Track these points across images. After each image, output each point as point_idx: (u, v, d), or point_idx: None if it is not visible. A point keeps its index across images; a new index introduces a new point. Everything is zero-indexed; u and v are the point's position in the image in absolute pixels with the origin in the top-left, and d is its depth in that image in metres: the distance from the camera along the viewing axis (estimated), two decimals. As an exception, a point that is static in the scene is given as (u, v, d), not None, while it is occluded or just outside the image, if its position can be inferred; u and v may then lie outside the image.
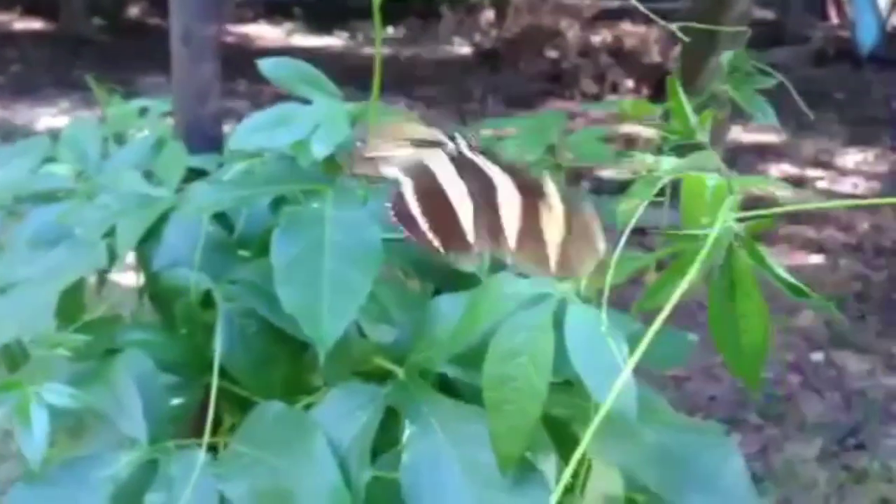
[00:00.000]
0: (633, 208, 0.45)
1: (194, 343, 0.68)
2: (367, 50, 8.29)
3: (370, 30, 9.15)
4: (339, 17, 8.68)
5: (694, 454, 0.59)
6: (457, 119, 6.01)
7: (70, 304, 0.81)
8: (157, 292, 0.70)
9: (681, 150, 0.50)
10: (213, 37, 0.90)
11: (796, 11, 8.14)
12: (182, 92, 0.90)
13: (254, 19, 9.30)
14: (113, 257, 0.70)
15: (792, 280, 0.43)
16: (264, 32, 8.91)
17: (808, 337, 3.18)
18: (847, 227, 4.10)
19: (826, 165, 4.99)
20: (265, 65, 0.65)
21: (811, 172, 4.87)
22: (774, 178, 0.50)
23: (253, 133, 0.62)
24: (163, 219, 0.70)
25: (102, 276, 0.86)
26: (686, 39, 0.65)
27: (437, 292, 0.69)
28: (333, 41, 8.27)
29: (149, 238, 0.70)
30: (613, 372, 0.49)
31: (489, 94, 6.55)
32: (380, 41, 0.60)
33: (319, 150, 0.60)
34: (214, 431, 0.72)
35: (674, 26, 0.64)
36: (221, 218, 0.76)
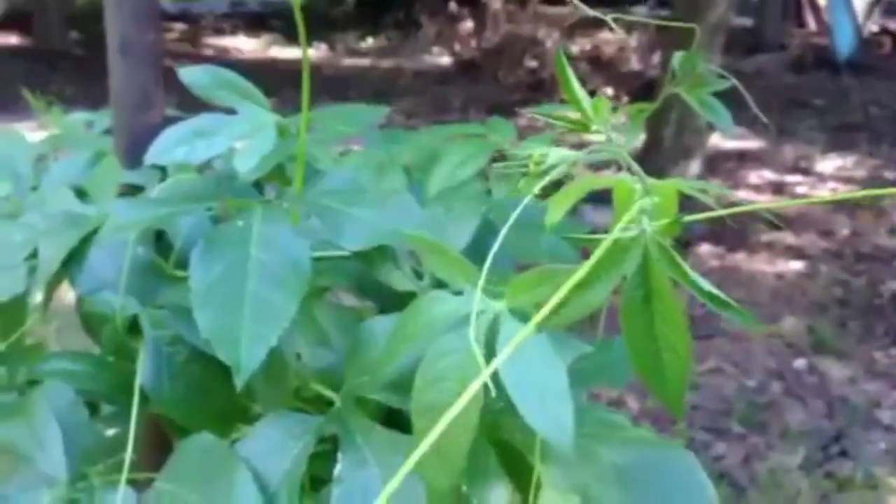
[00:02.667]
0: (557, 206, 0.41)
1: (123, 371, 0.64)
2: (347, 61, 8.27)
3: (350, 41, 9.13)
4: (319, 28, 8.65)
5: (656, 472, 0.55)
6: (437, 129, 5.98)
7: (8, 324, 0.76)
8: (85, 317, 0.66)
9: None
10: (151, 44, 0.86)
11: (774, 19, 8.18)
12: (121, 103, 0.86)
13: (232, 32, 9.27)
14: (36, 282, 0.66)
15: (712, 290, 0.39)
16: (243, 45, 8.88)
17: (790, 343, 3.16)
18: (827, 233, 4.09)
19: (805, 171, 4.99)
20: (185, 73, 0.61)
21: (790, 178, 4.87)
22: (701, 182, 0.46)
23: (171, 147, 0.58)
24: (88, 239, 0.66)
25: (48, 294, 0.82)
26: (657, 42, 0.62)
27: (383, 313, 0.65)
28: (313, 52, 8.24)
29: (73, 260, 0.66)
30: (548, 396, 0.45)
31: (470, 103, 6.53)
32: (306, 47, 0.57)
33: (244, 163, 0.56)
34: (162, 463, 0.68)
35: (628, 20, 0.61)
36: (160, 237, 0.72)
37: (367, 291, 0.64)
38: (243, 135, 0.59)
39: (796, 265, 3.78)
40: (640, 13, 7.18)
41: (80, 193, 0.82)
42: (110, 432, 0.72)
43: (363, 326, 0.57)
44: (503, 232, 0.49)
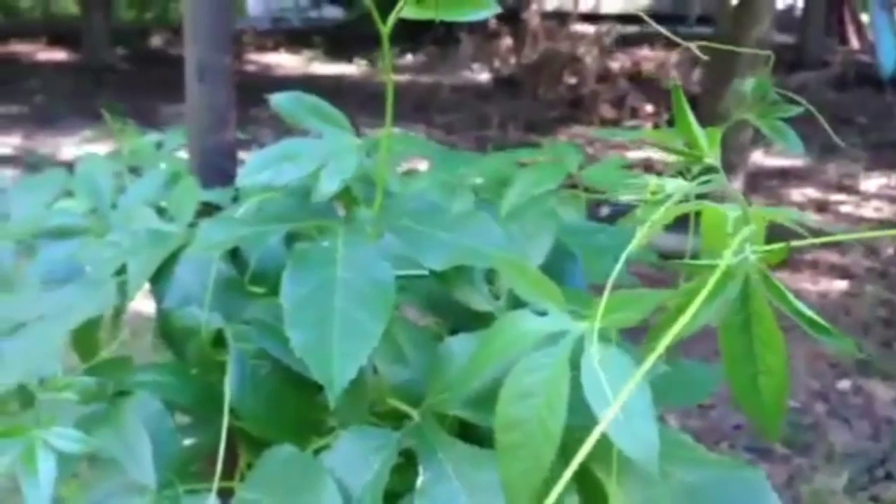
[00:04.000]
0: (642, 234, 0.43)
1: (206, 383, 0.66)
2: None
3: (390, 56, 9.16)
4: (359, 45, 8.74)
5: (726, 492, 0.56)
6: (475, 146, 6.01)
7: (85, 341, 0.79)
8: (169, 331, 0.69)
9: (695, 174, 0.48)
10: (227, 68, 0.90)
11: (816, 35, 8.12)
12: (197, 125, 0.90)
13: (275, 48, 9.39)
14: (124, 296, 0.69)
15: (813, 316, 0.40)
16: (285, 61, 8.99)
17: (834, 364, 3.13)
18: (872, 252, 4.05)
19: (849, 190, 4.94)
20: (276, 99, 0.64)
21: (834, 197, 4.82)
22: (793, 209, 0.47)
23: (260, 169, 0.61)
24: (174, 256, 0.69)
25: (118, 310, 0.85)
26: (703, 57, 0.63)
27: (454, 332, 0.67)
28: (353, 69, 8.33)
29: (160, 276, 0.69)
30: (634, 416, 0.47)
31: (508, 120, 6.55)
32: (390, 70, 0.59)
33: (328, 186, 0.59)
34: (231, 473, 0.70)
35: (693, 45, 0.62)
36: (235, 255, 0.75)
37: (442, 310, 0.66)
38: (327, 158, 0.61)
39: (840, 284, 3.75)
40: (682, 31, 7.15)
41: (159, 211, 0.85)
42: (187, 442, 0.75)
43: (443, 345, 0.59)
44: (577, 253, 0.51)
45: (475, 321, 0.63)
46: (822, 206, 4.71)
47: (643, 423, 0.45)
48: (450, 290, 0.61)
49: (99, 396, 0.63)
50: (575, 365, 0.49)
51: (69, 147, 5.40)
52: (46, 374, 0.62)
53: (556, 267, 0.66)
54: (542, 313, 0.52)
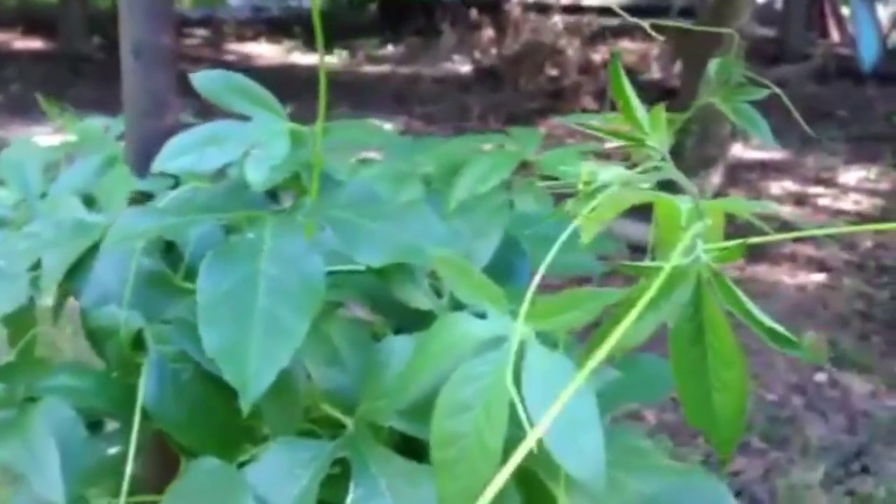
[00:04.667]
0: (572, 227, 0.38)
1: (127, 387, 0.61)
2: (367, 68, 8.25)
3: (371, 48, 9.12)
4: (339, 35, 8.64)
5: (684, 501, 0.52)
6: (457, 136, 5.95)
7: (19, 336, 0.74)
8: (89, 330, 0.64)
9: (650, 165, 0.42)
10: (166, 48, 0.84)
11: (797, 29, 8.11)
12: (134, 108, 0.84)
13: (254, 38, 9.28)
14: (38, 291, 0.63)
15: (773, 326, 0.36)
16: (264, 51, 8.89)
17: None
18: (850, 245, 4.03)
19: (828, 183, 4.92)
20: (196, 78, 0.58)
21: (813, 190, 4.80)
22: (770, 202, 0.42)
23: (180, 153, 0.56)
24: (93, 250, 0.63)
25: (59, 302, 0.80)
26: (658, 36, 0.59)
27: (398, 331, 0.62)
28: (334, 59, 8.24)
29: (78, 271, 0.63)
30: (577, 428, 0.42)
31: (489, 111, 6.50)
32: (323, 56, 0.54)
33: (254, 173, 0.54)
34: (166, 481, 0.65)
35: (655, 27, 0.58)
36: (171, 249, 0.70)
37: (383, 307, 0.61)
38: (256, 143, 0.56)
39: (818, 277, 3.73)
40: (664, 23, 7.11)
41: (90, 201, 0.80)
42: (114, 450, 0.70)
43: (379, 347, 0.54)
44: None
45: (419, 320, 0.58)
46: (800, 199, 4.70)
47: (587, 435, 0.40)
48: (389, 287, 0.56)
49: (7, 402, 0.58)
50: (517, 373, 0.44)
51: (43, 136, 5.31)
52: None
53: (504, 262, 0.61)
54: (483, 315, 0.47)
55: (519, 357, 0.44)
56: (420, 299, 0.56)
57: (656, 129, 0.37)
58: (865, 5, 7.53)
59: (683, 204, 0.38)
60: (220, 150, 0.56)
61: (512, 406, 0.43)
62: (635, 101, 0.38)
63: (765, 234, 0.49)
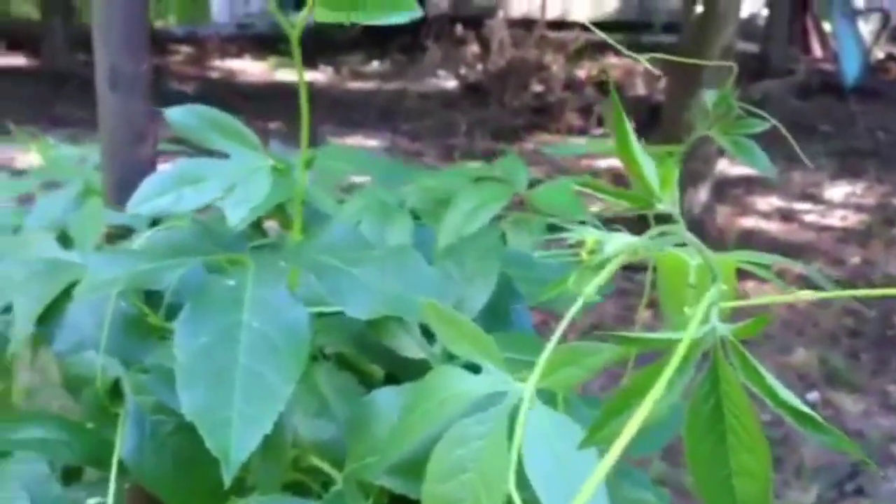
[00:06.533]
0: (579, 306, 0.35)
1: (103, 440, 0.58)
2: (353, 84, 8.23)
3: (356, 64, 9.10)
4: (325, 51, 8.62)
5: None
6: (442, 153, 5.93)
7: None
8: (65, 377, 0.60)
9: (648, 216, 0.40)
10: (143, 76, 0.81)
11: (780, 44, 8.15)
12: (110, 140, 0.81)
13: (238, 54, 9.25)
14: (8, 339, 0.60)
15: (802, 408, 0.33)
16: (249, 67, 8.86)
17: (802, 376, 3.09)
18: (838, 262, 4.03)
19: (814, 198, 4.93)
20: (171, 114, 0.56)
21: (799, 206, 4.81)
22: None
23: (156, 194, 0.53)
24: (67, 292, 0.60)
25: (33, 348, 0.76)
26: (656, 72, 0.57)
27: (387, 377, 0.59)
28: (318, 75, 8.22)
29: (51, 315, 0.60)
30: (584, 492, 0.39)
31: (475, 127, 6.49)
32: (303, 76, 0.51)
33: (234, 214, 0.51)
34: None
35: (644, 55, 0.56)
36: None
37: (371, 353, 0.58)
38: (235, 181, 0.53)
39: (807, 295, 3.72)
40: (647, 39, 7.15)
41: (65, 237, 0.77)
42: (93, 501, 0.66)
43: (369, 399, 0.52)
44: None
45: (410, 366, 0.55)
46: (787, 216, 4.70)
47: (589, 502, 0.37)
48: (377, 334, 0.54)
49: (-24, 456, 0.54)
50: (512, 429, 0.41)
51: (26, 154, 5.25)
52: None
53: (500, 306, 0.59)
54: (477, 367, 0.44)
55: (517, 416, 0.41)
56: (411, 348, 0.53)
57: (667, 189, 0.34)
58: (847, 21, 7.59)
59: (692, 260, 0.36)
60: (197, 190, 0.53)
61: (509, 470, 0.40)
62: (644, 160, 0.35)
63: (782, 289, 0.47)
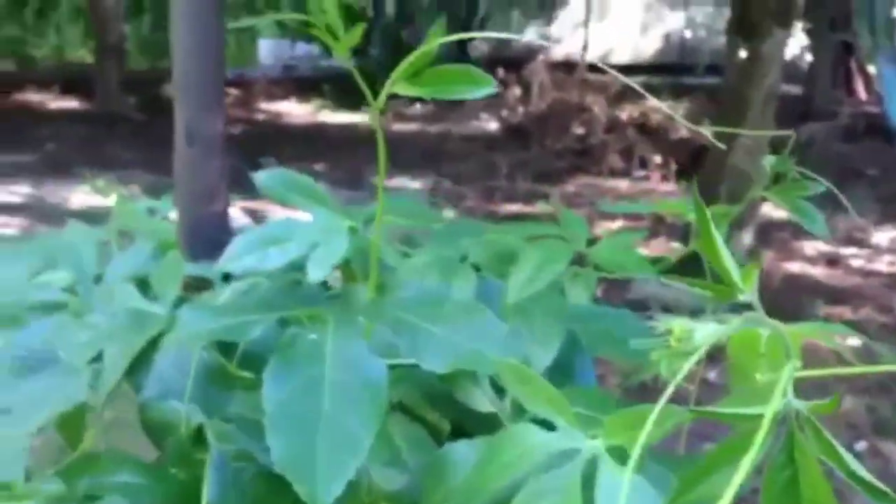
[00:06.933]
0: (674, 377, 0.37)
1: (186, 485, 0.61)
2: (397, 126, 8.35)
3: (399, 106, 9.24)
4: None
5: None
6: (484, 195, 5.98)
7: (71, 426, 0.74)
8: (149, 424, 0.64)
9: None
10: (219, 134, 0.86)
11: (824, 86, 8.12)
12: (186, 194, 0.85)
13: (285, 97, 9.45)
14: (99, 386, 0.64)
15: (872, 481, 0.35)
16: (294, 109, 9.03)
17: (850, 424, 3.04)
18: (885, 308, 3.98)
19: (860, 243, 4.88)
20: (259, 178, 0.60)
21: (845, 250, 4.76)
22: (829, 325, 0.42)
23: (244, 254, 0.57)
24: (154, 343, 0.64)
25: (110, 396, 0.80)
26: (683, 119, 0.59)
27: (455, 429, 0.61)
28: (361, 118, 8.35)
29: (139, 364, 0.64)
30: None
31: (517, 169, 6.54)
32: (382, 136, 0.55)
33: (316, 273, 0.54)
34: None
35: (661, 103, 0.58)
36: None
37: (440, 405, 0.61)
38: (316, 241, 0.57)
39: (853, 341, 3.67)
40: (689, 81, 7.18)
41: (143, 284, 0.81)
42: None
43: (443, 452, 0.54)
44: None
45: (478, 422, 0.58)
46: (832, 260, 4.66)
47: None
48: (451, 388, 0.56)
49: (67, 501, 0.58)
50: (588, 486, 0.43)
51: (78, 196, 5.39)
52: (7, 478, 0.56)
53: (565, 361, 0.61)
54: (550, 424, 0.47)
55: (590, 471, 0.44)
56: (482, 402, 0.56)
57: (748, 284, 0.37)
58: (892, 63, 7.54)
59: (762, 329, 0.38)
60: (281, 250, 0.57)
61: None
62: (727, 255, 0.38)
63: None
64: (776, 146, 0.81)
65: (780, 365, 0.37)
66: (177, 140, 0.86)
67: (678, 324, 0.38)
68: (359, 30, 0.49)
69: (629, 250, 0.70)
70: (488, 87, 0.50)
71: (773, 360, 0.39)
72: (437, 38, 0.47)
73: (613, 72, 0.55)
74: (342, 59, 0.58)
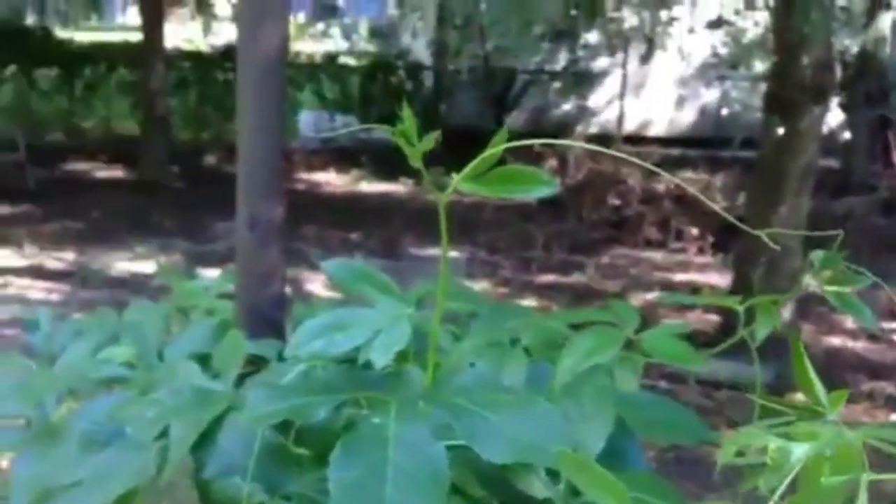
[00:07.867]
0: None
1: (245, 559, 0.63)
2: (432, 196, 8.41)
3: (436, 176, 9.32)
4: (406, 164, 8.84)
5: None
6: (519, 265, 6.00)
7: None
8: (207, 499, 0.66)
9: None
10: (278, 220, 0.90)
11: (861, 160, 8.10)
12: (246, 276, 0.89)
13: (323, 167, 9.61)
14: (164, 462, 0.66)
15: None
16: (333, 179, 9.18)
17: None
18: (930, 384, 3.90)
19: (903, 317, 4.81)
20: (328, 267, 0.63)
21: (886, 325, 4.69)
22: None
23: (311, 339, 0.60)
24: (217, 420, 0.66)
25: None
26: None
27: (505, 506, 0.63)
28: (398, 187, 8.46)
29: (202, 442, 0.66)
30: None
31: (552, 240, 6.56)
32: (446, 246, 0.58)
33: (380, 359, 0.57)
34: None
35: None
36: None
37: (494, 489, 0.62)
38: (380, 327, 0.60)
39: (898, 418, 3.60)
40: (725, 154, 7.20)
41: (203, 359, 0.84)
42: None
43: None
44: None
45: (529, 502, 0.60)
46: (873, 335, 4.59)
47: None
48: (509, 475, 0.58)
49: (133, 573, 0.60)
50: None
51: (121, 262, 5.50)
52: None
53: (616, 446, 0.63)
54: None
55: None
56: (538, 488, 0.58)
57: (835, 406, 0.39)
58: (930, 137, 7.51)
59: (825, 431, 0.40)
60: (346, 335, 0.60)
61: None
62: (816, 380, 0.40)
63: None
64: (815, 220, 0.83)
65: (846, 466, 0.38)
66: (238, 225, 0.90)
67: (774, 443, 0.40)
68: (433, 138, 0.53)
69: (678, 341, 0.72)
70: (550, 188, 0.53)
71: (840, 466, 0.41)
72: (500, 145, 0.50)
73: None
74: (383, 130, 0.62)
